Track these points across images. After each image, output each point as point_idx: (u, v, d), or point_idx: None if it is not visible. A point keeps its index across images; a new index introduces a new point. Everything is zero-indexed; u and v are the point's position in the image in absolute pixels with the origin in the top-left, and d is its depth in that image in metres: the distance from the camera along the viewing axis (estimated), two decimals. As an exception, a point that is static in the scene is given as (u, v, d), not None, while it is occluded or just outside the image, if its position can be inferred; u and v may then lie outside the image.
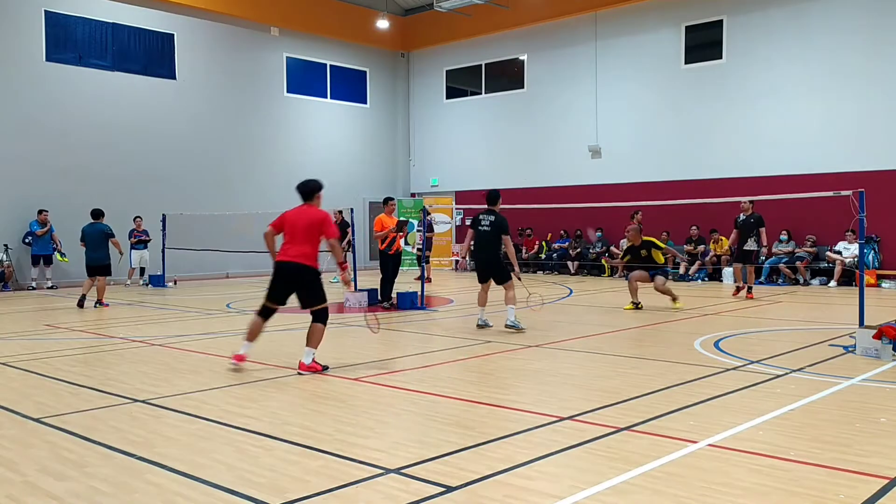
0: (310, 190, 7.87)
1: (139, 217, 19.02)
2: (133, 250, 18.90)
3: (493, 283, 10.44)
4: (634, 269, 12.94)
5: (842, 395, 6.29)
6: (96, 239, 13.86)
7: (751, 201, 14.50)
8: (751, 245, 14.34)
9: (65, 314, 13.07)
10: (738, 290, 14.57)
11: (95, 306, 13.81)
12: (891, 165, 17.09)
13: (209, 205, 20.69)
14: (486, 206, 10.51)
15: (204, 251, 19.23)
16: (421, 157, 26.79)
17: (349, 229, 19.14)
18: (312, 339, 7.42)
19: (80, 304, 13.70)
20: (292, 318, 12.13)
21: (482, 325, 10.36)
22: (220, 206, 20.58)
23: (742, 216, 14.56)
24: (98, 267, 13.84)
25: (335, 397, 6.35)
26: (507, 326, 10.04)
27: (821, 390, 6.36)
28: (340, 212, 19.27)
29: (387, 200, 13.70)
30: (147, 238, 19.04)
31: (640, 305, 12.77)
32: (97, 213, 14.17)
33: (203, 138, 21.61)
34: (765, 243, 14.52)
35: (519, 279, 10.40)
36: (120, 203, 19.16)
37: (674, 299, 12.66)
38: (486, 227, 10.27)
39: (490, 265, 10.35)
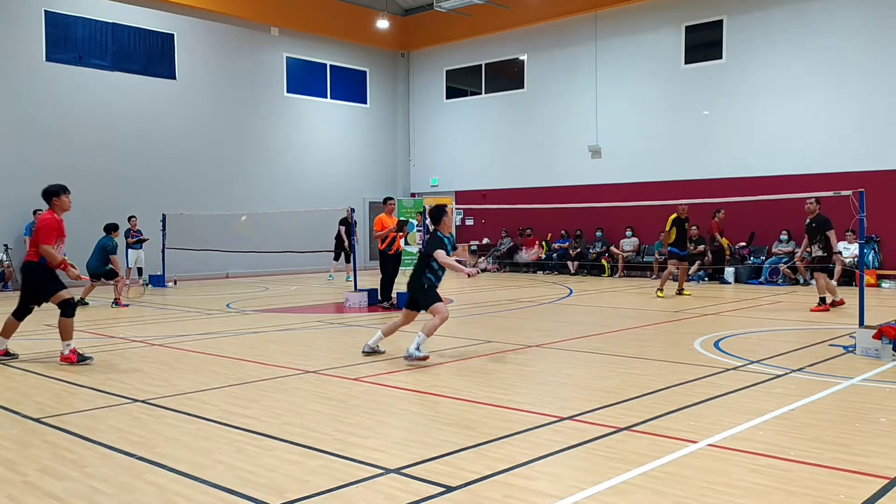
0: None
1: (134, 217, 18.98)
2: (130, 250, 18.89)
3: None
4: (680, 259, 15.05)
5: (842, 395, 6.28)
6: (95, 249, 14.18)
7: (817, 200, 12.48)
8: (816, 252, 12.55)
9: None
10: (834, 303, 12.54)
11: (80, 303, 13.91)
12: (891, 165, 17.09)
13: (209, 205, 20.69)
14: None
15: (204, 251, 19.24)
16: (421, 157, 26.79)
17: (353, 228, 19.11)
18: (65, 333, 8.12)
19: (82, 303, 13.92)
20: (290, 319, 12.14)
21: (369, 352, 8.34)
22: (220, 206, 20.59)
23: (808, 219, 12.71)
24: (90, 274, 14.03)
25: (335, 397, 6.35)
26: (407, 358, 7.95)
27: (821, 390, 6.36)
28: (348, 215, 19.17)
29: (387, 200, 13.68)
30: (144, 238, 19.00)
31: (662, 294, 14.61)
32: (108, 228, 14.48)
33: (203, 138, 21.60)
34: (835, 248, 12.47)
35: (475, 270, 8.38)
36: (120, 203, 19.16)
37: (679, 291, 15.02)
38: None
39: (412, 288, 8.41)
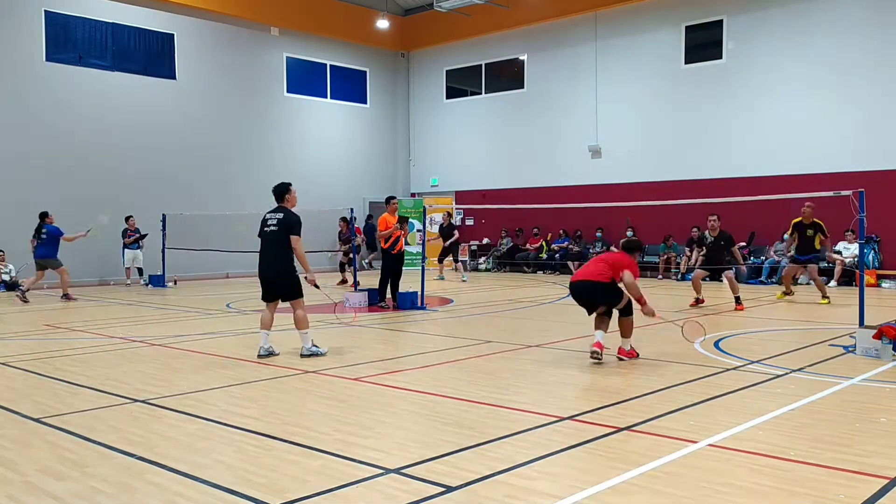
0: None
1: (131, 217, 19.03)
2: (126, 250, 18.99)
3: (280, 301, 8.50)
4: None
5: (842, 395, 6.28)
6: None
7: (718, 218, 13.28)
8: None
9: (65, 314, 13.07)
10: (698, 301, 13.41)
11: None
12: (891, 165, 17.09)
13: (209, 205, 20.69)
14: (277, 204, 8.44)
15: (204, 251, 19.23)
16: (421, 157, 26.79)
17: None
18: (625, 331, 8.04)
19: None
20: (290, 319, 12.12)
21: (265, 355, 8.31)
22: (220, 206, 20.58)
23: (709, 236, 13.47)
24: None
25: (335, 397, 6.35)
26: (303, 356, 8.24)
27: (821, 390, 6.36)
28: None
29: (389, 199, 13.60)
30: (142, 234, 19.05)
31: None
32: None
33: (203, 138, 21.60)
34: (741, 262, 13.61)
35: (317, 287, 8.56)
36: (120, 203, 19.17)
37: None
38: (272, 227, 8.24)
39: (276, 276, 8.32)
